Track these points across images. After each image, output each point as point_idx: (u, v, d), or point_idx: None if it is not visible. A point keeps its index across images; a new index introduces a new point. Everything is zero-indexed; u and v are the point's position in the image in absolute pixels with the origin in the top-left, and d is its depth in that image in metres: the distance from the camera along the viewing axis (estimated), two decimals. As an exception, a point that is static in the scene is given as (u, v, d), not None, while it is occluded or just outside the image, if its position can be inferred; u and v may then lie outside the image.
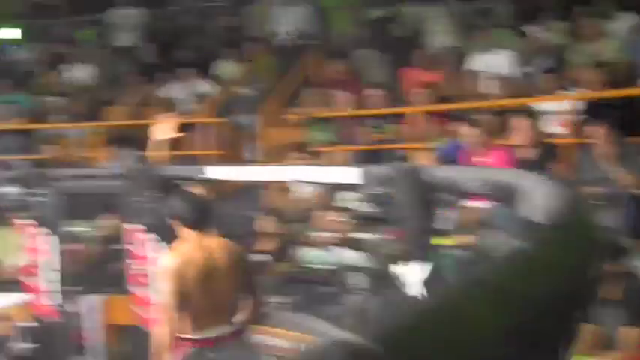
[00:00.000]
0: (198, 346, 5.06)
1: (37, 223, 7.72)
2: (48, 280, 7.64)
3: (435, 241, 5.12)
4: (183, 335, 5.04)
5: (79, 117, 12.01)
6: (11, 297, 8.44)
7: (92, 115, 11.79)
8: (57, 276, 7.62)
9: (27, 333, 8.23)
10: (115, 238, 8.39)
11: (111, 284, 8.08)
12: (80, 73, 12.58)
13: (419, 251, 4.85)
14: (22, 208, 8.38)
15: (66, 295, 7.68)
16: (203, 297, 5.03)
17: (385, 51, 10.90)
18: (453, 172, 4.99)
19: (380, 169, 5.24)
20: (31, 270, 7.87)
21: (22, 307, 8.30)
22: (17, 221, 8.75)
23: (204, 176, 6.54)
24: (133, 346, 7.48)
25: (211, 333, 5.07)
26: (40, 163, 10.63)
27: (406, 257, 4.84)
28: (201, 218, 5.25)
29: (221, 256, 5.13)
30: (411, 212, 4.83)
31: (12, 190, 10.41)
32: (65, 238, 7.75)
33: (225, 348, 5.09)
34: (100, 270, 8.28)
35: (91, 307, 7.94)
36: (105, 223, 8.58)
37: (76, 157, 11.36)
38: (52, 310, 7.62)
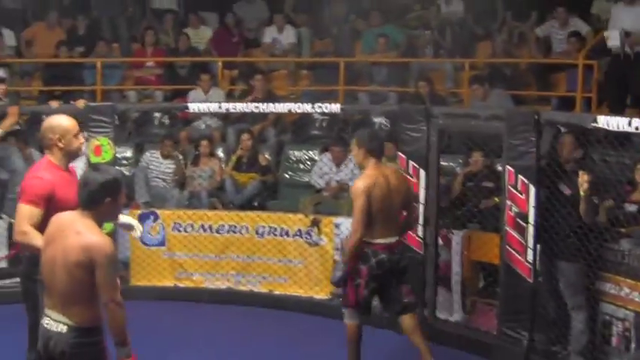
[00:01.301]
0: (377, 249, 6.34)
1: (408, 156, 7.90)
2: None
3: None
4: (367, 240, 6.29)
5: (449, 52, 12.09)
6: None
7: (462, 50, 11.82)
8: (421, 209, 7.77)
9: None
10: (482, 176, 8.42)
11: (474, 221, 8.13)
12: (452, 7, 12.59)
13: None
14: (395, 140, 8.63)
15: (429, 227, 7.83)
16: (382, 212, 6.30)
17: None
18: None
19: None
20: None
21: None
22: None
23: (594, 125, 6.36)
24: (496, 285, 7.51)
25: (386, 240, 6.35)
26: (410, 97, 10.87)
27: None
28: (380, 149, 6.51)
29: (395, 180, 6.43)
30: None
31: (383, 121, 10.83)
32: (434, 173, 7.85)
33: (393, 251, 6.39)
34: (463, 206, 8.35)
35: (453, 241, 8.04)
36: (473, 161, 8.61)
37: (446, 92, 11.48)
38: (414, 241, 7.81)
